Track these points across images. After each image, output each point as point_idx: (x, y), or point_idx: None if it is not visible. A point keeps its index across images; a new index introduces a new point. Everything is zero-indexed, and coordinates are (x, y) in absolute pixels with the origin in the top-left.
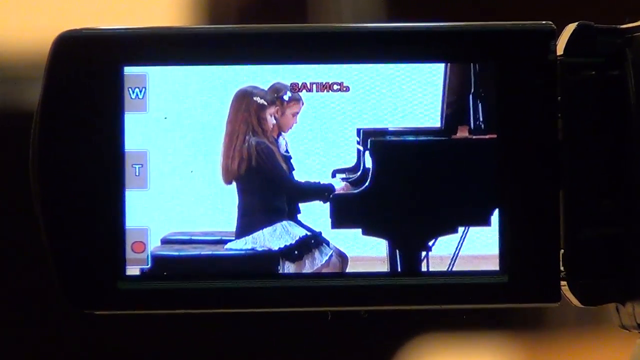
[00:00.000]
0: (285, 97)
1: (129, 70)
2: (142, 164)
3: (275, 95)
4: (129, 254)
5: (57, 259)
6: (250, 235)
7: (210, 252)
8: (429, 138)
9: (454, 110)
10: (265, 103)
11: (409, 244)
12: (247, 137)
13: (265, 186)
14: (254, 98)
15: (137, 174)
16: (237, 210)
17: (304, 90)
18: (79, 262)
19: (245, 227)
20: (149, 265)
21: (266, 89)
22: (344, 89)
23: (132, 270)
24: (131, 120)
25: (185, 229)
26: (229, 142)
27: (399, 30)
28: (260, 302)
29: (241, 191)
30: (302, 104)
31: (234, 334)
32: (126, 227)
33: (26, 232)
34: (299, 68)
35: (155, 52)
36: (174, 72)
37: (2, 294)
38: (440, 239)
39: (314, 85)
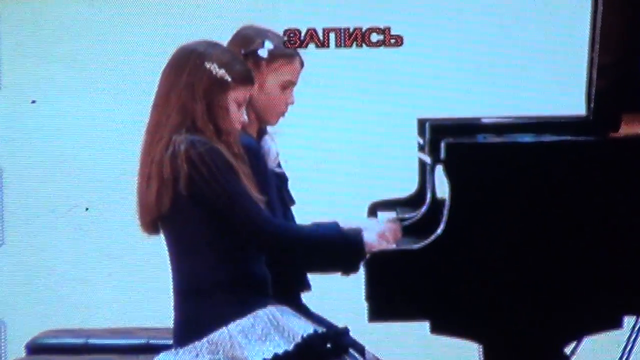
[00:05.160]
0: (264, 53)
1: None
2: None
3: (244, 50)
4: None
5: None
6: (205, 339)
7: None
8: (565, 139)
9: (614, 81)
10: (229, 78)
11: (527, 351)
12: (173, 138)
13: (221, 234)
14: (206, 65)
15: None
16: (174, 284)
17: (311, 43)
18: None
19: (194, 319)
20: None
21: (228, 42)
22: (391, 40)
23: None
24: None
25: (74, 323)
26: (150, 149)
27: None
28: None
29: (176, 249)
30: (298, 68)
31: None
32: None
33: None
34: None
35: None
36: (50, 10)
37: None
38: (587, 339)
39: (332, 34)
